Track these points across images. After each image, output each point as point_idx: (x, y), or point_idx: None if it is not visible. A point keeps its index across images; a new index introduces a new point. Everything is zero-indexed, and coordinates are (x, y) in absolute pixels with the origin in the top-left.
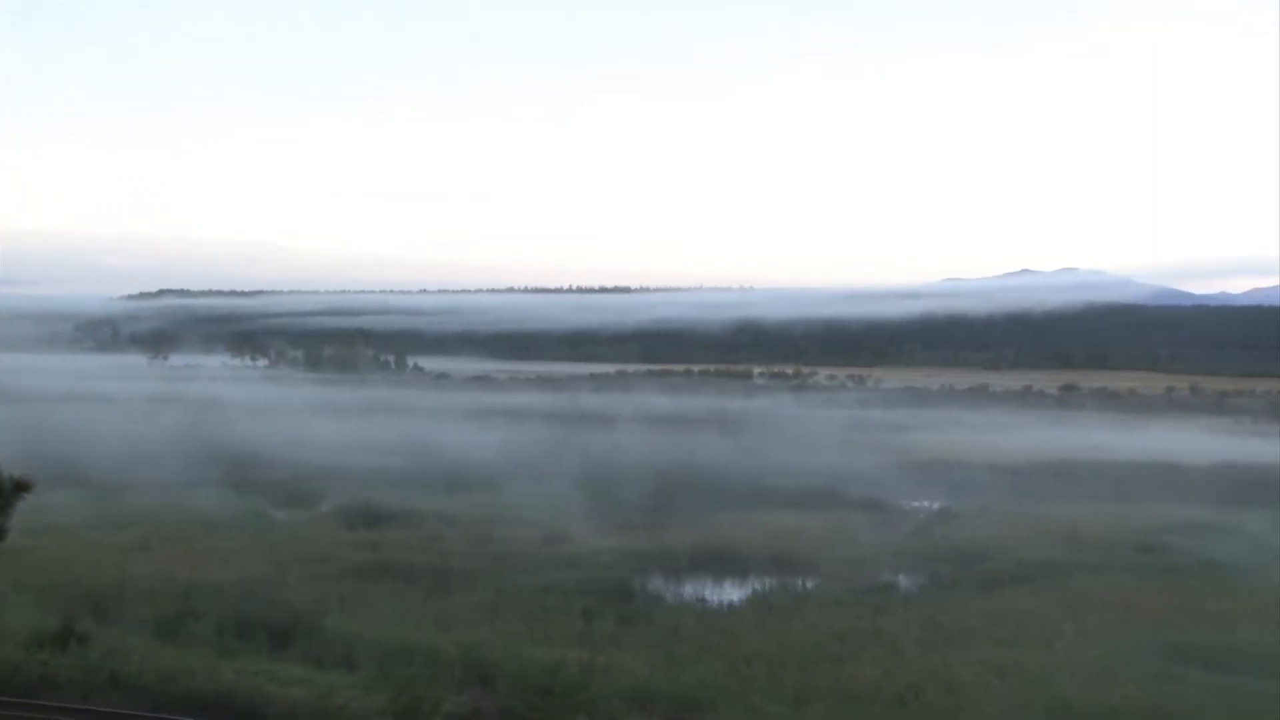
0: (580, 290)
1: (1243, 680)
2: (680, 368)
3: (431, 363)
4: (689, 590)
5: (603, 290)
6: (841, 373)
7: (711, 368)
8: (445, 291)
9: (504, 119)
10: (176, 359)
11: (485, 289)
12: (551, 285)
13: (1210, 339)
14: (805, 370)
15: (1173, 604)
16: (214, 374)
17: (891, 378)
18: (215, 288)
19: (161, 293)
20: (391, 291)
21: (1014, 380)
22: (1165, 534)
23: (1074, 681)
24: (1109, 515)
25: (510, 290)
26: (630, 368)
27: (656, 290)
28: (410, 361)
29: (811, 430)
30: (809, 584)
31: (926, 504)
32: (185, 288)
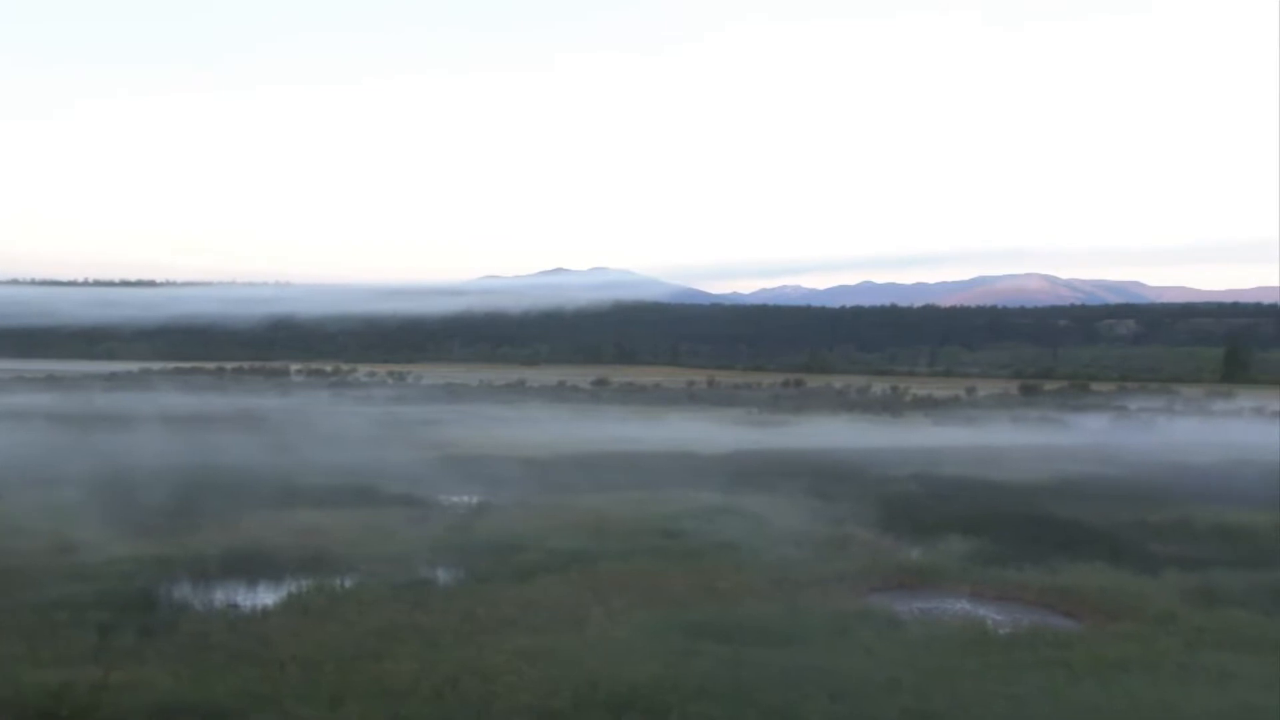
0: (98, 283)
1: (748, 650)
2: (211, 365)
3: None
4: (219, 596)
5: (124, 284)
6: (381, 369)
7: (245, 365)
8: None
9: None
10: None
11: None
12: (64, 278)
13: (725, 335)
14: (344, 367)
15: (691, 584)
16: None
17: (431, 374)
18: None
19: None
20: None
21: (549, 375)
22: (685, 519)
23: (602, 662)
24: (635, 503)
25: (14, 282)
26: (155, 365)
27: (184, 284)
28: None
29: (349, 427)
30: (347, 583)
31: (465, 498)
32: None
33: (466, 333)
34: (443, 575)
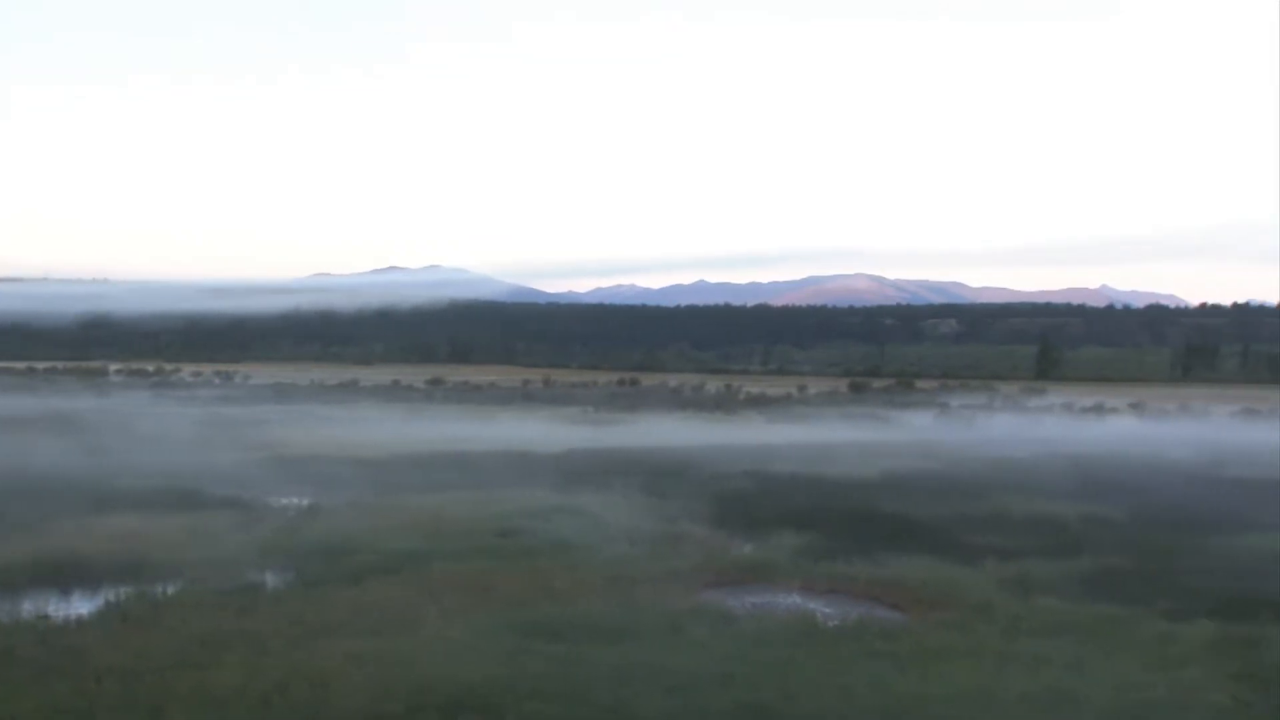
0: None
1: (583, 648)
2: (21, 365)
3: None
4: (28, 608)
5: None
6: (207, 369)
7: (59, 365)
8: None
9: None
10: None
11: None
12: None
13: (560, 334)
14: (167, 367)
15: (526, 583)
16: None
17: (260, 373)
18: None
19: None
20: None
21: (383, 375)
22: (520, 518)
23: (435, 664)
24: (470, 503)
25: None
26: None
27: None
28: None
29: (172, 429)
30: (169, 590)
31: (294, 500)
32: None
33: (297, 331)
34: (271, 579)
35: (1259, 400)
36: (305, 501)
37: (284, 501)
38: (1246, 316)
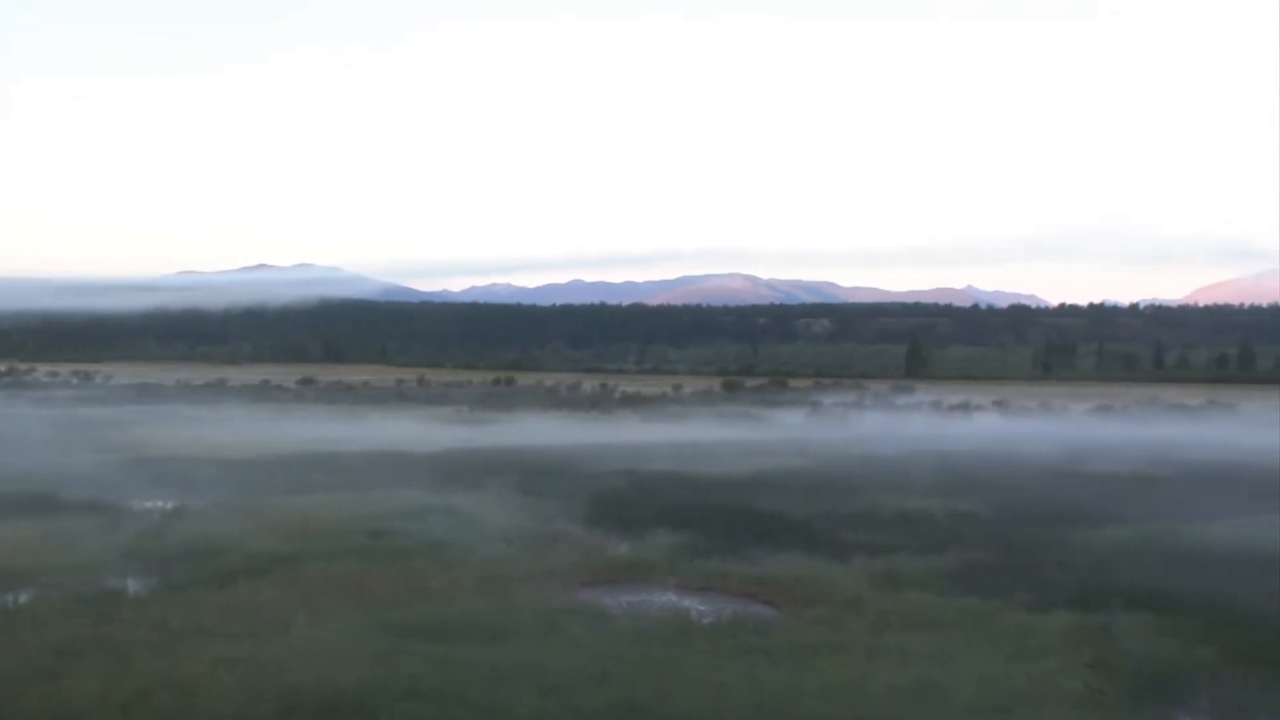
0: None
1: (458, 649)
2: None
3: None
4: None
5: None
6: (65, 368)
7: None
8: None
9: None
10: None
11: None
12: None
13: (435, 334)
14: (20, 366)
15: (400, 584)
16: None
17: (123, 373)
18: None
19: None
20: None
21: (252, 374)
22: (393, 519)
23: (306, 667)
24: (342, 503)
25: None
26: None
27: None
28: None
29: (26, 430)
30: (21, 598)
31: (158, 503)
32: None
33: (162, 330)
34: (134, 585)
35: (1113, 397)
36: (170, 504)
37: (147, 504)
38: (1102, 316)
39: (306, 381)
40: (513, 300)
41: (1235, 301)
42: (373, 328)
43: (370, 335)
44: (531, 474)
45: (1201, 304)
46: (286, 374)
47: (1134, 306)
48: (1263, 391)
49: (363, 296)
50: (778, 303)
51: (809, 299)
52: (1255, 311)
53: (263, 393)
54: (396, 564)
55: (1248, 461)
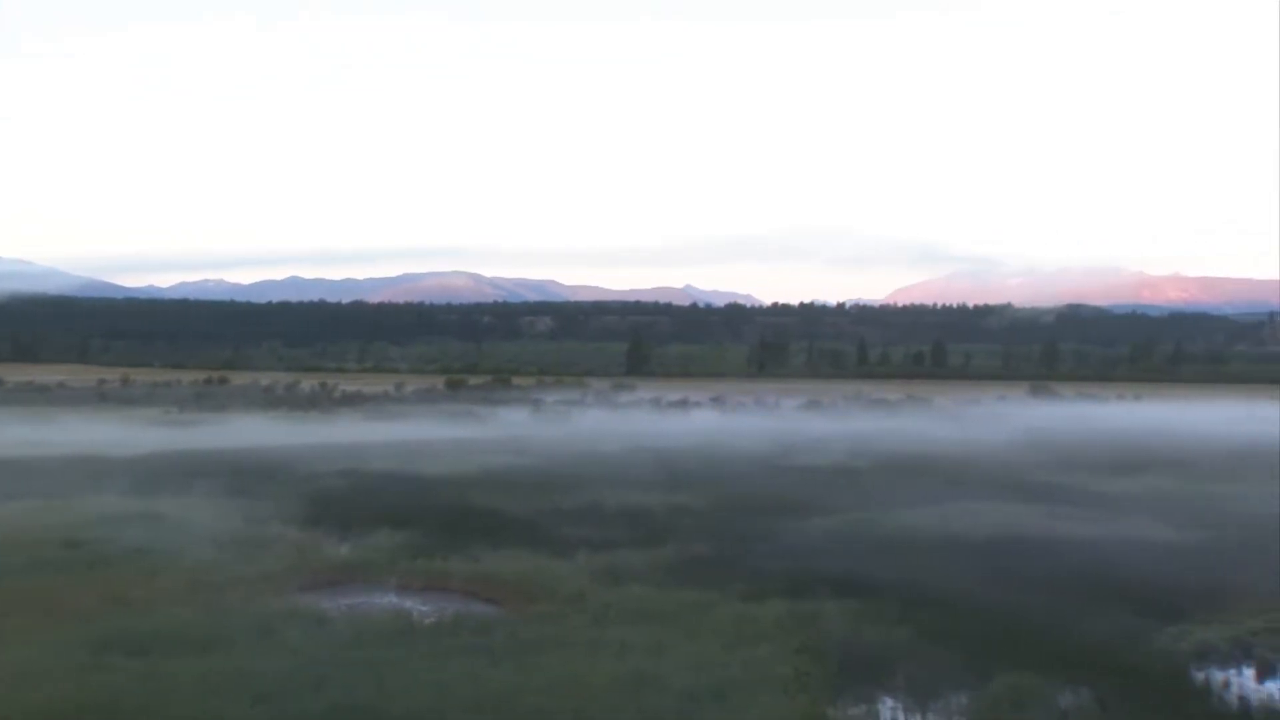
0: None
1: (164, 660)
2: None
3: None
4: None
5: None
6: None
7: None
8: None
9: None
10: None
11: None
12: None
13: (140, 332)
14: None
15: (99, 595)
16: None
17: None
18: None
19: None
20: None
21: None
22: (91, 527)
23: None
24: (33, 512)
25: None
26: None
27: None
28: None
29: None
30: None
31: None
32: None
33: None
34: None
35: (821, 393)
36: None
37: None
38: (812, 315)
39: None
40: (226, 298)
41: (929, 301)
42: (70, 325)
43: (67, 333)
44: (245, 476)
45: (900, 304)
46: None
47: (841, 306)
48: (954, 386)
49: (58, 292)
50: (501, 301)
51: (532, 297)
52: (947, 311)
53: None
54: (95, 574)
55: (941, 453)
